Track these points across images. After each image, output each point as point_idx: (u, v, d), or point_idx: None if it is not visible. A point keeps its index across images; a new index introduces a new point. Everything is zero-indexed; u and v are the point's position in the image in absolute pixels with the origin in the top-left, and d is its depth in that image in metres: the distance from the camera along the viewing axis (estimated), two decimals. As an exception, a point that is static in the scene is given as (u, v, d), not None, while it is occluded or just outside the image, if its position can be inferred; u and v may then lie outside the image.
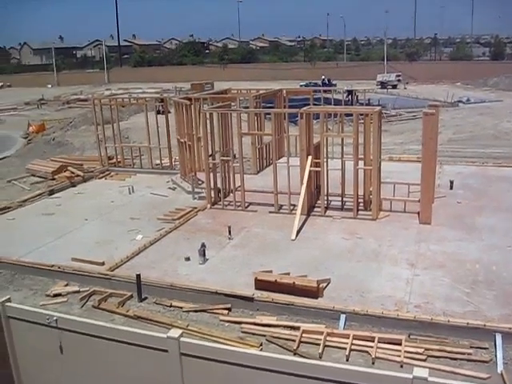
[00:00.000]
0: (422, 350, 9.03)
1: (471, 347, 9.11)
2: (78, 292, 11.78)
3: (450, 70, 75.25)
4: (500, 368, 8.58)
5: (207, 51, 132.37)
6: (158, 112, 23.84)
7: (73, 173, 21.32)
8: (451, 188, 17.48)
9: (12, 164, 26.53)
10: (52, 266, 12.67)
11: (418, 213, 14.87)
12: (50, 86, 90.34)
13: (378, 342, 9.27)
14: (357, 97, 38.61)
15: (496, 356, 8.84)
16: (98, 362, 7.74)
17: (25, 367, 8.38)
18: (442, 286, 11.11)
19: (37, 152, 28.61)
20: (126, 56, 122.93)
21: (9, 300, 8.08)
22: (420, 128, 15.31)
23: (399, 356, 8.90)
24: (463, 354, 8.94)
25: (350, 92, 36.87)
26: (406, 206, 15.43)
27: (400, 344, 9.16)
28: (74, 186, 20.34)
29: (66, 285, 12.18)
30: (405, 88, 64.35)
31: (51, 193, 19.32)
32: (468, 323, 9.40)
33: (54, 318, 7.59)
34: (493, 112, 41.01)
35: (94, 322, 7.81)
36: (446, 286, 11.06)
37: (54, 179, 21.14)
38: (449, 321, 9.55)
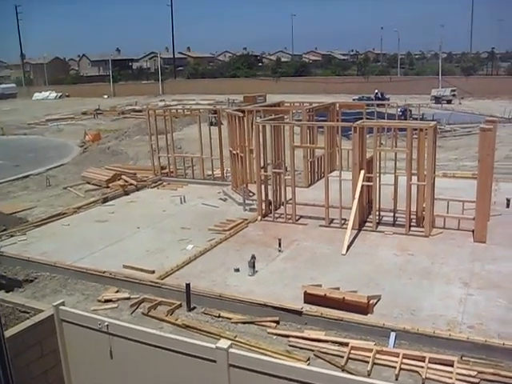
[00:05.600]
0: (475, 372, 8.76)
1: (527, 372, 8.79)
2: (128, 299, 11.95)
3: (507, 85, 73.29)
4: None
5: (260, 64, 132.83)
6: (211, 123, 24.15)
7: (126, 181, 21.76)
8: (508, 206, 16.98)
9: (68, 171, 27.26)
10: (104, 272, 12.92)
11: (473, 231, 14.49)
12: (106, 96, 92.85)
13: (429, 362, 9.04)
14: (410, 111, 38.12)
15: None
16: (147, 369, 7.81)
17: (75, 370, 8.53)
18: (497, 306, 10.77)
19: (92, 160, 29.34)
20: (180, 68, 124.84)
21: (63, 303, 8.26)
22: (475, 144, 15.00)
23: (451, 378, 8.66)
24: (519, 378, 8.64)
25: (404, 111, 36.46)
26: (460, 223, 15.07)
27: (452, 365, 8.92)
28: (128, 194, 20.73)
29: (117, 291, 12.37)
30: (460, 103, 63.23)
31: (105, 200, 19.74)
32: (524, 347, 9.09)
33: (106, 324, 7.71)
34: (552, 129, 39.72)
35: (143, 329, 7.88)
36: (502, 307, 10.72)
37: (108, 187, 21.64)
38: (504, 344, 9.24)
